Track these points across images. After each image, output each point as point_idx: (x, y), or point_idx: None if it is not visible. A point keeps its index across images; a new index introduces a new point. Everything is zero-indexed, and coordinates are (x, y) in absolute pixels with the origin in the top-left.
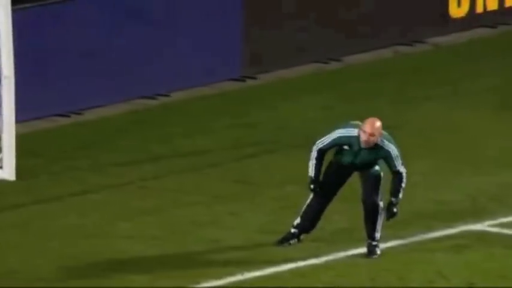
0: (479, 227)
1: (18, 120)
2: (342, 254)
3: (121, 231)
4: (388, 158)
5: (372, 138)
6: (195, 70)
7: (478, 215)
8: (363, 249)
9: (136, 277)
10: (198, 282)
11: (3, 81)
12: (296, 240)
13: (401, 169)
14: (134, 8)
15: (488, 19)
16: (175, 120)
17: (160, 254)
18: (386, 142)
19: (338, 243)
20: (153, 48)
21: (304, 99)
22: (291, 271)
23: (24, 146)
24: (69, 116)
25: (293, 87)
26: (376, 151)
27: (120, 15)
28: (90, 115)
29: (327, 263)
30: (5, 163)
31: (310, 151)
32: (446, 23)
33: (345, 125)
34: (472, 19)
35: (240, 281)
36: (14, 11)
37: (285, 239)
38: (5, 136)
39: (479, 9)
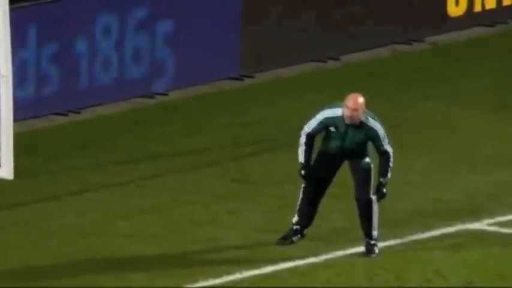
0: (477, 225)
1: (16, 119)
2: (340, 253)
3: (120, 230)
4: (375, 138)
5: (356, 113)
6: (193, 69)
7: (476, 214)
8: (361, 248)
9: (135, 275)
10: (197, 281)
11: (1, 80)
12: (299, 236)
13: (388, 148)
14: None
15: (487, 18)
16: (174, 119)
17: (159, 252)
18: (371, 120)
19: (336, 242)
20: (151, 47)
21: (303, 98)
22: (289, 270)
23: (23, 145)
24: (67, 115)
25: (292, 86)
26: (363, 130)
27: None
28: (88, 114)
29: (325, 261)
30: (3, 162)
31: (299, 137)
32: (445, 21)
33: (330, 105)
34: (471, 18)
35: (239, 280)
36: (11, 10)
37: (288, 236)
38: (3, 135)
39: (478, 8)
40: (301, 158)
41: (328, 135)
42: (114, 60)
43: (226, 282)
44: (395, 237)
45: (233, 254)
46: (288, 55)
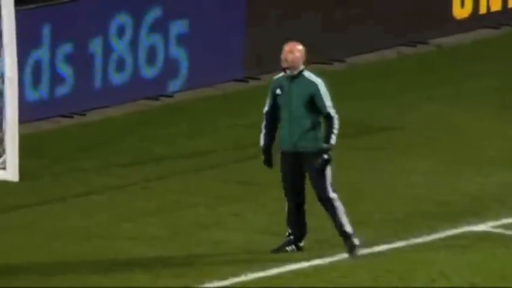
0: (481, 227)
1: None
2: (345, 255)
3: (124, 232)
4: (316, 95)
5: (291, 56)
6: (197, 71)
7: (480, 216)
8: (366, 250)
9: (139, 277)
10: (202, 283)
11: (6, 82)
12: (294, 247)
13: (332, 112)
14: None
15: (492, 20)
16: (179, 121)
17: (164, 254)
18: (313, 75)
19: (341, 244)
20: (155, 49)
21: None
22: (294, 271)
23: (28, 147)
24: (72, 117)
25: None
26: (304, 85)
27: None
28: (93, 116)
29: (330, 264)
30: (8, 164)
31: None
32: (450, 23)
33: None
34: (476, 20)
35: (244, 282)
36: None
37: (281, 247)
38: (8, 137)
39: (483, 10)
40: (261, 142)
41: (277, 108)
42: (128, 61)
43: (232, 284)
44: (399, 239)
45: (238, 255)
46: None
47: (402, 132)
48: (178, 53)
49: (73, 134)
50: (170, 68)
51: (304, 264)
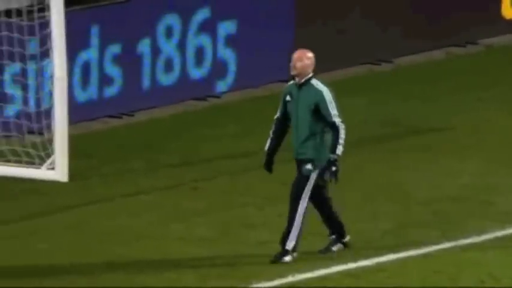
0: None
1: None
2: (392, 256)
3: (173, 232)
4: (321, 103)
5: (300, 63)
6: (245, 71)
7: None
8: (414, 252)
9: (187, 277)
10: (250, 283)
11: (56, 83)
12: (340, 245)
13: (337, 122)
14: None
15: None
16: (226, 122)
17: (212, 254)
18: (320, 83)
19: (388, 244)
20: (203, 50)
21: (354, 100)
22: (341, 272)
23: (77, 148)
24: (120, 118)
25: (344, 88)
26: (311, 92)
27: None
28: (142, 116)
29: (377, 264)
30: (57, 165)
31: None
32: (500, 24)
33: None
34: None
35: (292, 282)
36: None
37: (328, 246)
38: (57, 138)
39: None
40: (266, 146)
41: (288, 115)
42: (176, 61)
43: (279, 285)
44: (447, 239)
45: None
46: (339, 57)
47: (451, 133)
48: (226, 53)
49: (121, 135)
50: (218, 69)
51: (351, 265)
